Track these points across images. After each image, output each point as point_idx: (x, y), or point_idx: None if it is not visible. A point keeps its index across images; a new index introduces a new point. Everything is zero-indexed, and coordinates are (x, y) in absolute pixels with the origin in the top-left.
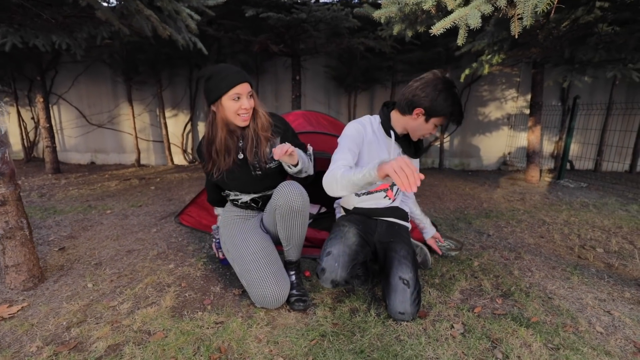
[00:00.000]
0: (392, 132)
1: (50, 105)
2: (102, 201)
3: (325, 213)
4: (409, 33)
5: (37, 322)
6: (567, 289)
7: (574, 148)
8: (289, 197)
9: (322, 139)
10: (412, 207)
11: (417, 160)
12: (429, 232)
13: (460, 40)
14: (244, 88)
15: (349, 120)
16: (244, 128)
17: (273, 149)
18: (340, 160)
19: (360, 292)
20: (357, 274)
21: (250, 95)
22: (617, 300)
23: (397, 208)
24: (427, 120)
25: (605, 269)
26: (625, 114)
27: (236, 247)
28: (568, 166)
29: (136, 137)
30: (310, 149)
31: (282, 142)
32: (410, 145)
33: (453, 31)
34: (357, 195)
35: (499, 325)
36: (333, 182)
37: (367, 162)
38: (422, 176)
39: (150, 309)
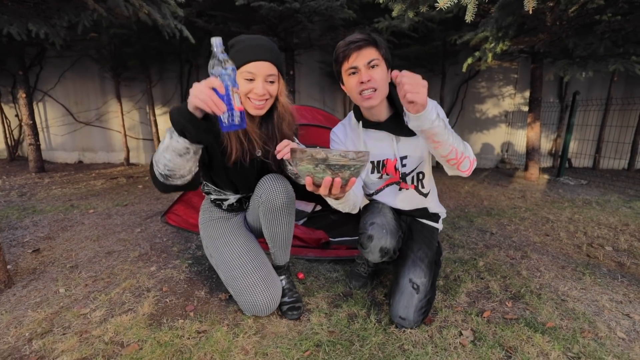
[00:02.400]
0: (353, 116)
1: (35, 102)
2: (85, 200)
3: (320, 211)
4: (410, 14)
5: None
6: (580, 290)
7: (572, 145)
8: (272, 192)
9: (318, 132)
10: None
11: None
12: None
13: (468, 17)
14: (262, 68)
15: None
16: (267, 121)
17: (277, 147)
18: None
19: (359, 296)
20: (361, 273)
21: (272, 81)
22: (634, 302)
23: (425, 210)
24: (339, 76)
25: (617, 269)
26: (623, 109)
27: (219, 252)
28: (566, 164)
29: (125, 135)
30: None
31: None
32: (400, 124)
33: (452, 24)
34: (369, 195)
35: (511, 332)
36: None
37: None
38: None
39: (125, 317)
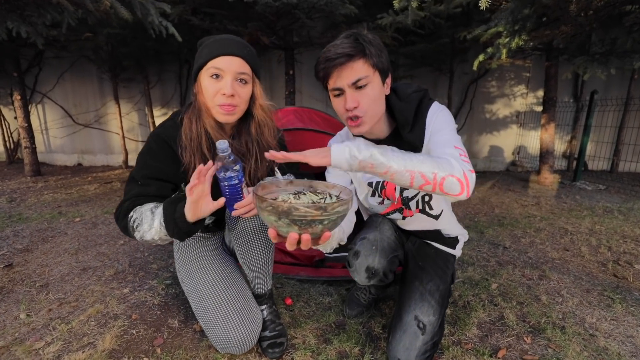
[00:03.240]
0: (349, 130)
1: (34, 104)
2: (74, 207)
3: None
4: (414, 4)
5: None
6: (611, 321)
7: (588, 147)
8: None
9: (313, 137)
10: None
11: None
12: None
13: (483, 3)
14: (230, 63)
15: None
16: (241, 133)
17: (235, 205)
18: None
19: (353, 328)
20: (359, 299)
21: (243, 81)
22: None
23: (438, 233)
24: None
25: None
26: None
27: (190, 278)
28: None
29: (123, 137)
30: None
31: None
32: (403, 141)
33: (460, 20)
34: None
35: None
36: None
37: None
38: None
39: (81, 354)
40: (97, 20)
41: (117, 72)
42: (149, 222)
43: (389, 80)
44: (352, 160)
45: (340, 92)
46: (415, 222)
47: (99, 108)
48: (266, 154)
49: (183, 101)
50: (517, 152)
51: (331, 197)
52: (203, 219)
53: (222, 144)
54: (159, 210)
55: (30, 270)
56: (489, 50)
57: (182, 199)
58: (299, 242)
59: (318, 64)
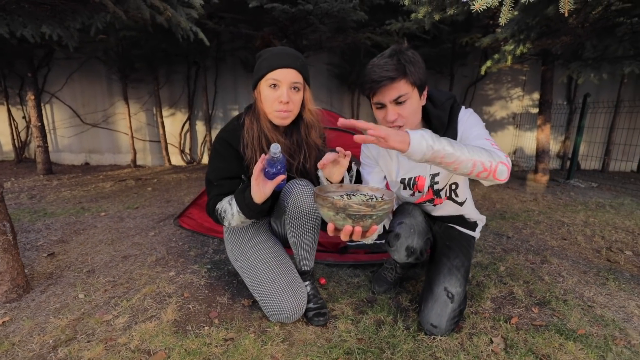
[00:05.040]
0: None
1: (42, 104)
2: (96, 203)
3: None
4: (436, 17)
5: (20, 340)
6: (606, 295)
7: (580, 147)
8: (298, 197)
9: (336, 135)
10: None
11: None
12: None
13: (502, 19)
14: (287, 75)
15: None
16: (292, 131)
17: (326, 155)
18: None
19: (384, 302)
20: (387, 278)
21: (297, 89)
22: None
23: (462, 218)
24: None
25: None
26: (632, 111)
27: (246, 256)
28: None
29: (132, 137)
30: (354, 168)
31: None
32: None
33: (461, 26)
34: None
35: (542, 339)
36: None
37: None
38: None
39: (149, 324)
40: (123, 24)
41: (126, 73)
42: (230, 212)
43: (425, 92)
44: (428, 150)
45: (383, 106)
46: (443, 209)
47: (107, 108)
48: (355, 138)
49: (191, 101)
50: (513, 152)
51: (376, 198)
52: (269, 199)
53: (275, 148)
54: (234, 201)
55: (72, 258)
56: (496, 56)
57: (247, 187)
58: (351, 233)
59: (364, 83)
